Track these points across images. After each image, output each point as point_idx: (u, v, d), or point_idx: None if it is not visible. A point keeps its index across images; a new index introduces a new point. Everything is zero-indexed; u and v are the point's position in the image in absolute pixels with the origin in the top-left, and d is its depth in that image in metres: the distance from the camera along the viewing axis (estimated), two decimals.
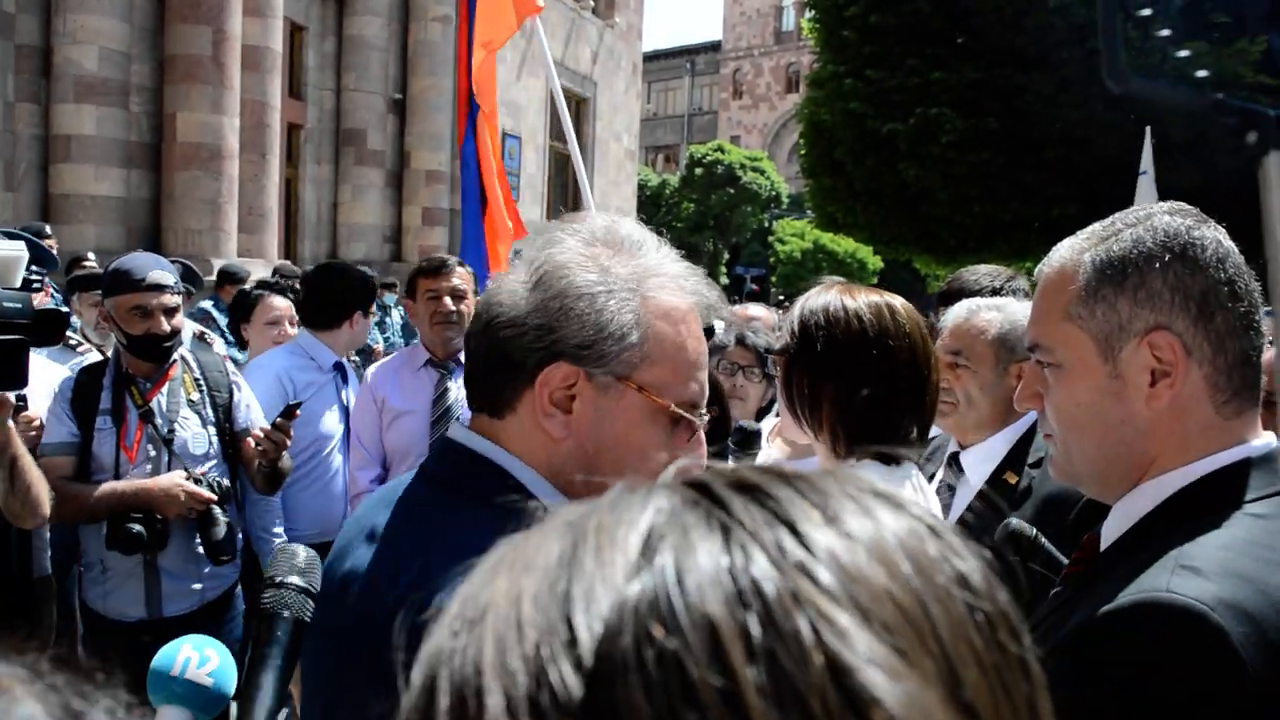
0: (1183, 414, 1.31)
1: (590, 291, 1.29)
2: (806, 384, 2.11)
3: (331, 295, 4.49)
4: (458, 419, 3.95)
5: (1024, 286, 3.61)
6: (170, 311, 3.49)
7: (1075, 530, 2.49)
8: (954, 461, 2.83)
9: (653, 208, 45.31)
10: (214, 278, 11.03)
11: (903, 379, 2.10)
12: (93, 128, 13.23)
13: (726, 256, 47.77)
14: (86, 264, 8.20)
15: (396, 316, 13.01)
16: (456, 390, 4.01)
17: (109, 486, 3.43)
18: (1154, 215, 1.34)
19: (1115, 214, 1.40)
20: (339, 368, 4.47)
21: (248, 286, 9.72)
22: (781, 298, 42.40)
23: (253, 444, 3.53)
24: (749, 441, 2.37)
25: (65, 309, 3.68)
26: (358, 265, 17.43)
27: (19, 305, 2.92)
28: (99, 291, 5.02)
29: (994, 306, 2.81)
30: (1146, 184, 8.27)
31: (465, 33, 5.48)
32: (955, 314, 2.84)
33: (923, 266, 22.77)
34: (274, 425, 3.51)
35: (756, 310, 5.21)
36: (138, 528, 3.35)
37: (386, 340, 12.28)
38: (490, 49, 5.44)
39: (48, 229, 8.75)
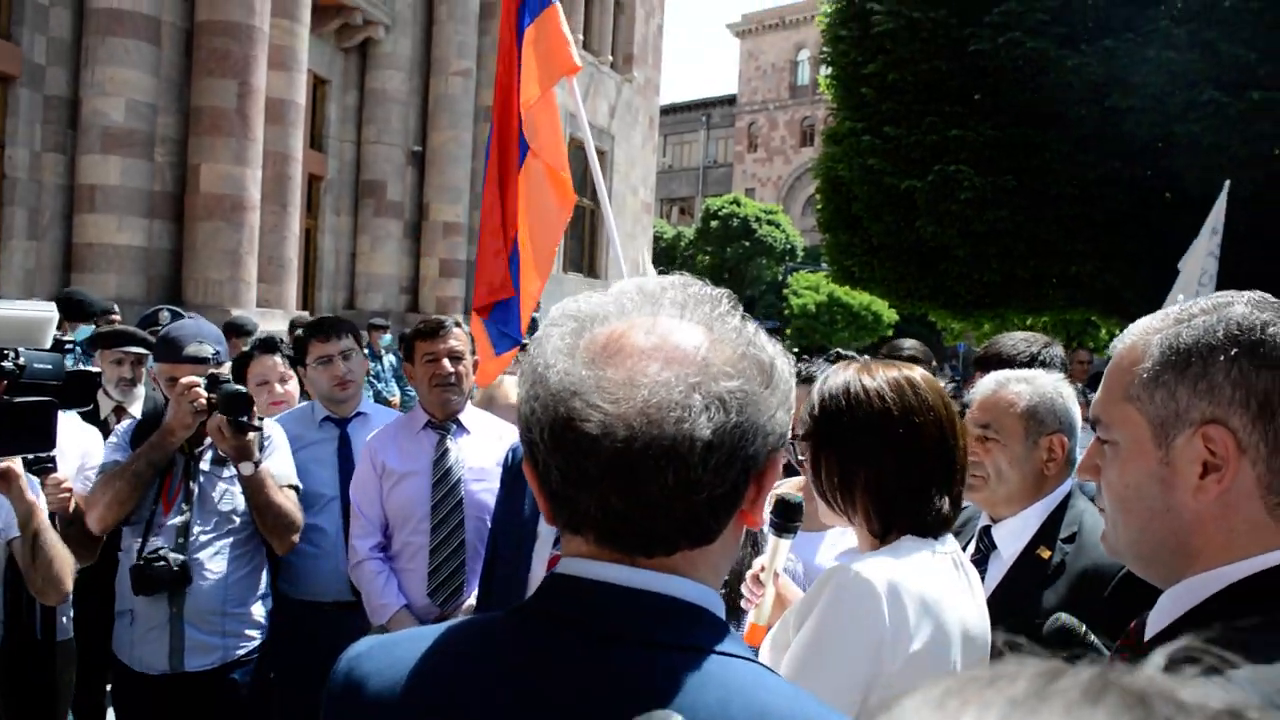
0: (1230, 510, 1.28)
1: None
2: (836, 469, 2.08)
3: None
4: (459, 481, 3.95)
5: (1060, 354, 3.60)
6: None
7: (1110, 607, 2.47)
8: (985, 534, 2.80)
9: (668, 260, 45.53)
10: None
11: (932, 454, 2.08)
12: (118, 178, 13.38)
13: (742, 309, 47.82)
14: (113, 319, 8.23)
15: (388, 363, 12.93)
16: (457, 451, 4.01)
17: (125, 468, 3.52)
18: (1233, 304, 1.31)
19: (1199, 299, 1.37)
20: (339, 423, 4.44)
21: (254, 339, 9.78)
22: (796, 350, 42.42)
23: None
24: (791, 514, 2.34)
25: (95, 369, 3.70)
26: (374, 315, 17.58)
27: (49, 366, 2.94)
28: (121, 349, 5.07)
29: (1023, 379, 2.79)
30: (1211, 244, 7.99)
31: (510, 75, 5.38)
32: (984, 387, 2.82)
33: (939, 320, 22.76)
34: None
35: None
36: (158, 565, 3.38)
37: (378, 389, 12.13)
38: (545, 88, 5.36)
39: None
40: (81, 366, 7.11)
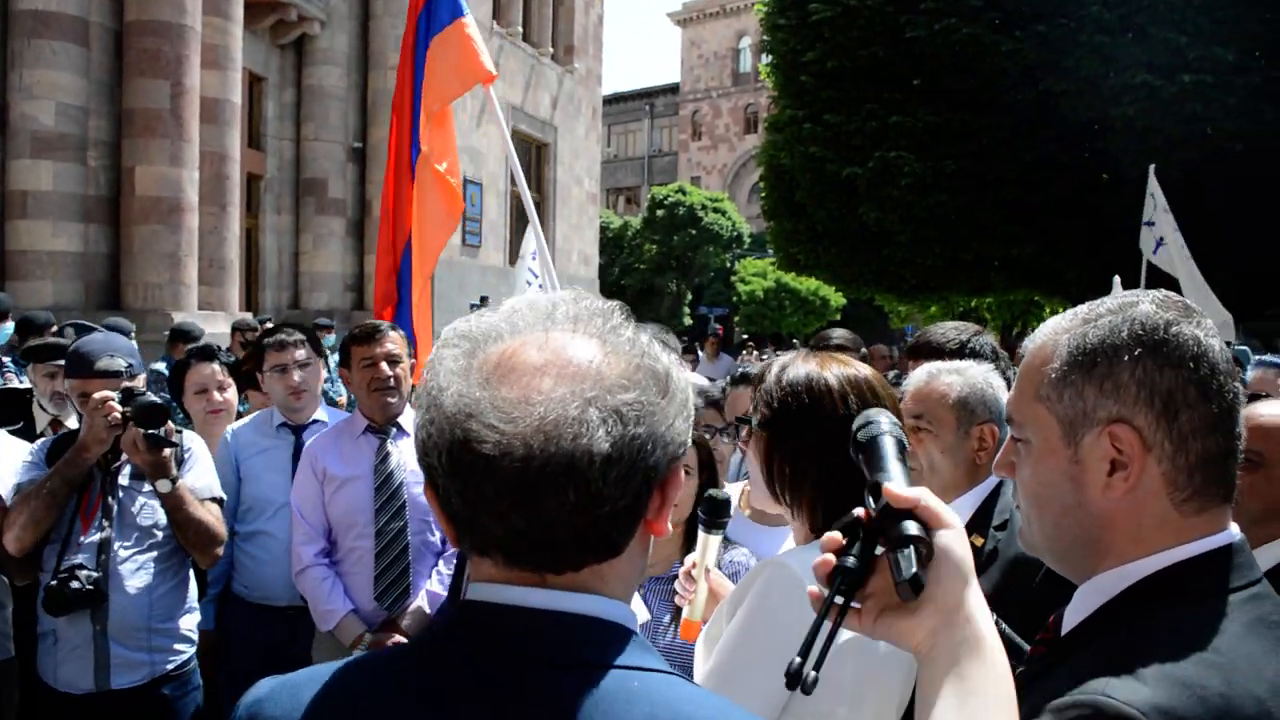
0: (1138, 507, 1.32)
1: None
2: (788, 466, 2.08)
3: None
4: (401, 484, 3.94)
5: (990, 341, 3.64)
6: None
7: (1041, 594, 2.51)
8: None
9: (615, 249, 45.47)
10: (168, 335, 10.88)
11: None
12: (50, 183, 13.12)
13: (689, 297, 47.91)
14: (48, 333, 8.05)
15: (334, 364, 12.75)
16: (398, 454, 4.01)
17: (40, 487, 3.40)
18: (1138, 304, 1.34)
19: (1107, 298, 1.40)
20: (295, 430, 4.44)
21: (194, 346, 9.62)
22: (745, 336, 42.58)
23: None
24: (719, 511, 2.34)
25: (28, 386, 3.64)
26: (318, 314, 17.36)
27: None
28: (54, 363, 4.97)
29: (954, 370, 2.83)
30: (1167, 221, 8.25)
31: (406, 84, 5.46)
32: (916, 378, 2.85)
33: (885, 304, 22.96)
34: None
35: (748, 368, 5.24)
36: (73, 584, 3.31)
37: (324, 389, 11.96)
38: (438, 107, 5.42)
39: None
40: (14, 384, 7.00)
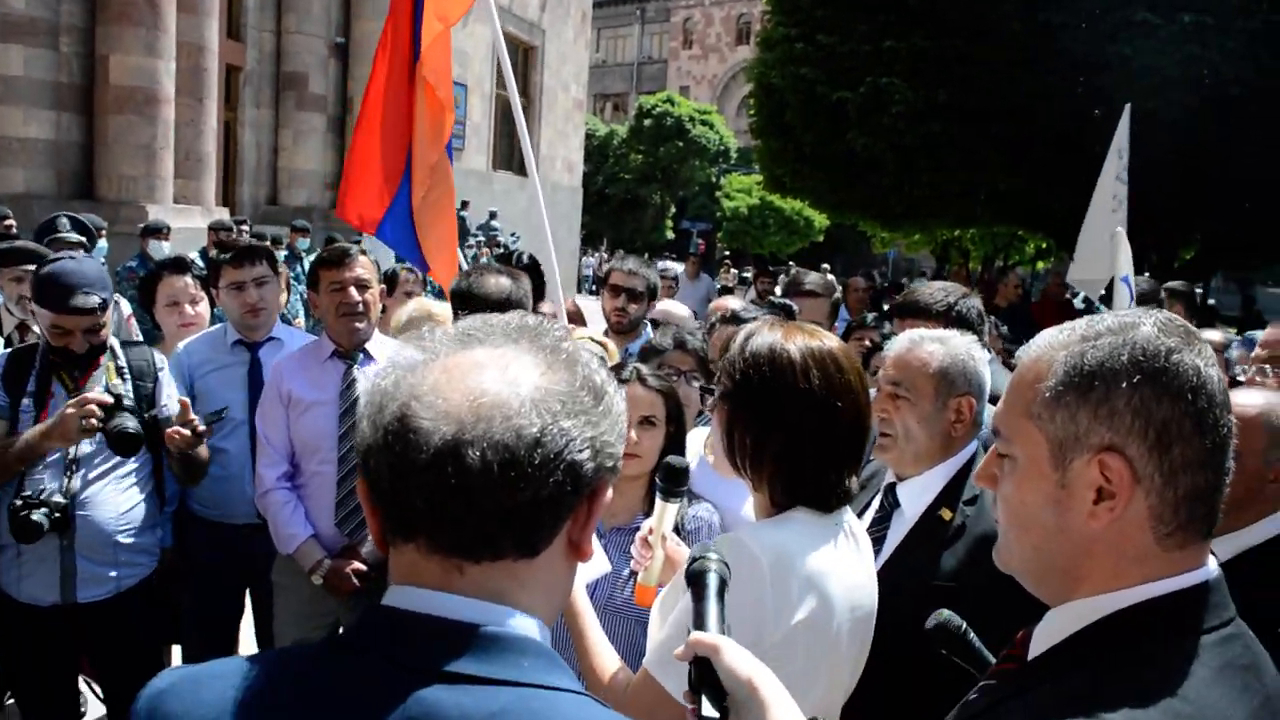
0: (1121, 538, 1.28)
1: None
2: (749, 438, 2.08)
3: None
4: None
5: (977, 305, 3.60)
6: (91, 331, 3.46)
7: (1006, 574, 2.51)
8: (890, 492, 2.81)
9: (600, 158, 44.94)
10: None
11: (846, 436, 2.09)
12: (20, 68, 12.77)
13: (674, 210, 47.60)
14: (7, 223, 7.83)
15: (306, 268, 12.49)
16: (364, 381, 3.95)
17: (18, 440, 3.38)
18: (1140, 327, 1.29)
19: (1107, 314, 1.36)
20: (251, 347, 4.38)
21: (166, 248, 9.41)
22: (726, 254, 42.41)
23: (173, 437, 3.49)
24: (677, 479, 2.32)
25: None
26: (297, 211, 17.12)
27: None
28: (21, 267, 4.85)
29: (937, 339, 2.78)
30: (1118, 166, 8.18)
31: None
32: (899, 344, 2.81)
33: (869, 229, 22.86)
34: (195, 430, 3.50)
35: (735, 303, 5.18)
36: (37, 515, 3.28)
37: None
38: (446, 23, 5.26)
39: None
40: None
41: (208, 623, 4.24)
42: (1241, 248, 15.42)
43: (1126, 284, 6.58)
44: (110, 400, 3.29)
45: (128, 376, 3.64)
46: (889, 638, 2.20)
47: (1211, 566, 1.32)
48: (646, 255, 41.16)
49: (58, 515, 3.33)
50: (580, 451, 1.10)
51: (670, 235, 47.11)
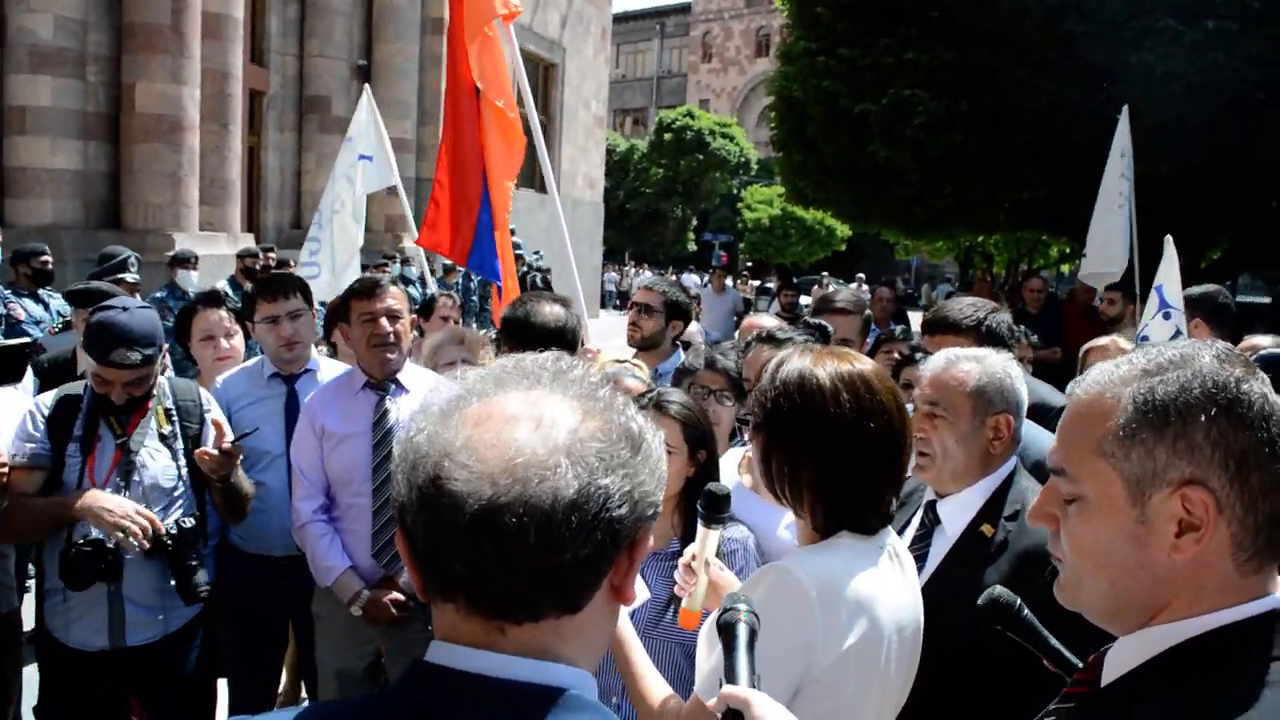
0: (1203, 568, 1.28)
1: None
2: (786, 466, 2.08)
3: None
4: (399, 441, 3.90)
5: (1006, 319, 3.58)
6: (133, 384, 3.48)
7: (1050, 588, 2.48)
8: (930, 510, 2.80)
9: (620, 173, 45.07)
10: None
11: (882, 458, 2.09)
12: (49, 99, 12.91)
13: (695, 222, 47.63)
14: (43, 259, 7.92)
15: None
16: (396, 411, 3.96)
17: (58, 500, 3.42)
18: (1200, 358, 1.29)
19: (1158, 346, 1.36)
20: (287, 380, 4.41)
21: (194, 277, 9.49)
22: (749, 265, 42.35)
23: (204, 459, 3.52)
24: (718, 506, 2.31)
25: (22, 341, 3.58)
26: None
27: None
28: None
29: (973, 357, 2.77)
30: (1121, 165, 8.30)
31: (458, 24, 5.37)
32: (934, 364, 2.80)
33: (891, 237, 22.79)
34: (220, 449, 3.52)
35: (767, 321, 5.16)
36: (88, 564, 3.30)
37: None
38: (483, 39, 5.37)
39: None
40: (16, 313, 6.90)
41: (249, 655, 4.25)
42: (1267, 248, 15.33)
43: (1159, 292, 6.54)
44: (147, 545, 3.35)
45: (175, 419, 3.66)
46: (934, 656, 2.20)
47: (1278, 594, 1.32)
48: (670, 269, 40.99)
49: (108, 561, 3.35)
50: (619, 508, 1.09)
51: (692, 248, 47.13)
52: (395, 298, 3.98)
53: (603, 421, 1.13)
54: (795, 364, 2.11)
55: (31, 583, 4.26)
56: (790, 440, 2.07)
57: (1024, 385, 2.80)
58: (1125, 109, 8.45)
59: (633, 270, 38.11)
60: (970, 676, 2.42)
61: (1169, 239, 6.50)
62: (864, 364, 2.14)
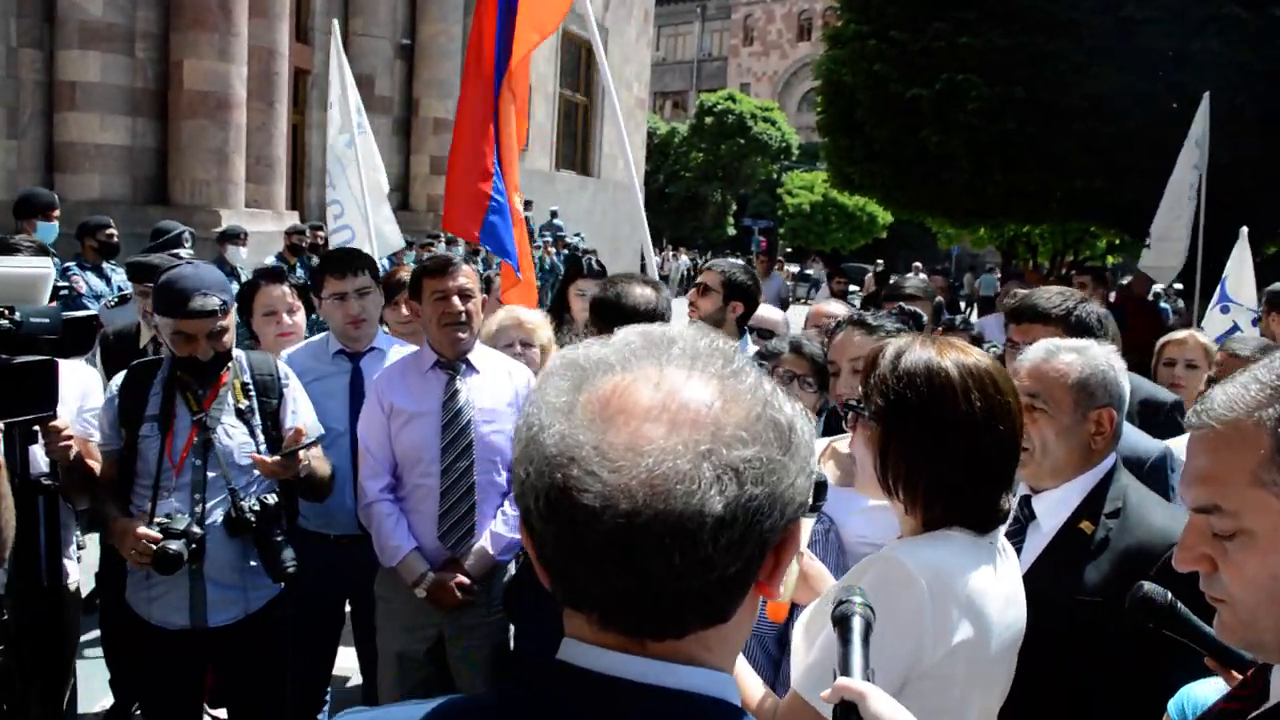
0: None
1: None
2: (903, 456, 2.01)
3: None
4: (469, 422, 3.85)
5: (1097, 310, 3.48)
6: (216, 335, 3.42)
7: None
8: (1025, 504, 2.71)
9: (661, 156, 44.91)
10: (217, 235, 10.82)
11: (1005, 457, 2.03)
12: (98, 74, 12.98)
13: (734, 207, 47.43)
14: (109, 232, 7.91)
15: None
16: (467, 392, 3.91)
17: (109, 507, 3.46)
18: None
19: (1266, 361, 1.29)
20: (353, 357, 4.38)
21: (243, 253, 9.46)
22: (789, 250, 42.14)
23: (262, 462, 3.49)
24: (816, 494, 2.24)
25: (91, 312, 3.55)
26: None
27: (46, 320, 2.82)
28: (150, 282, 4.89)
29: (1074, 349, 2.68)
30: (1195, 155, 8.16)
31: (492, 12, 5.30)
32: (1034, 355, 2.71)
33: (934, 225, 22.55)
34: (282, 455, 3.49)
35: (836, 308, 5.07)
36: (175, 546, 3.24)
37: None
38: (543, 35, 5.31)
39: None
40: (80, 287, 6.90)
41: (307, 634, 4.22)
42: None
43: (1222, 286, 6.41)
44: (159, 536, 3.26)
45: (253, 393, 3.62)
46: (1035, 653, 2.12)
47: None
48: (709, 254, 40.96)
49: (194, 546, 3.32)
50: (770, 517, 0.98)
51: (731, 233, 46.94)
52: (468, 276, 3.92)
53: (746, 412, 0.99)
54: (920, 354, 2.02)
55: (82, 552, 4.25)
56: (914, 434, 1.99)
57: (1126, 379, 2.71)
58: (1206, 96, 8.24)
59: (671, 254, 37.92)
60: (1067, 675, 2.35)
61: (1244, 231, 6.34)
62: (985, 358, 2.07)
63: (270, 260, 7.70)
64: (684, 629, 1.00)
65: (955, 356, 2.02)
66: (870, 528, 2.78)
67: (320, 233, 12.19)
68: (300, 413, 3.76)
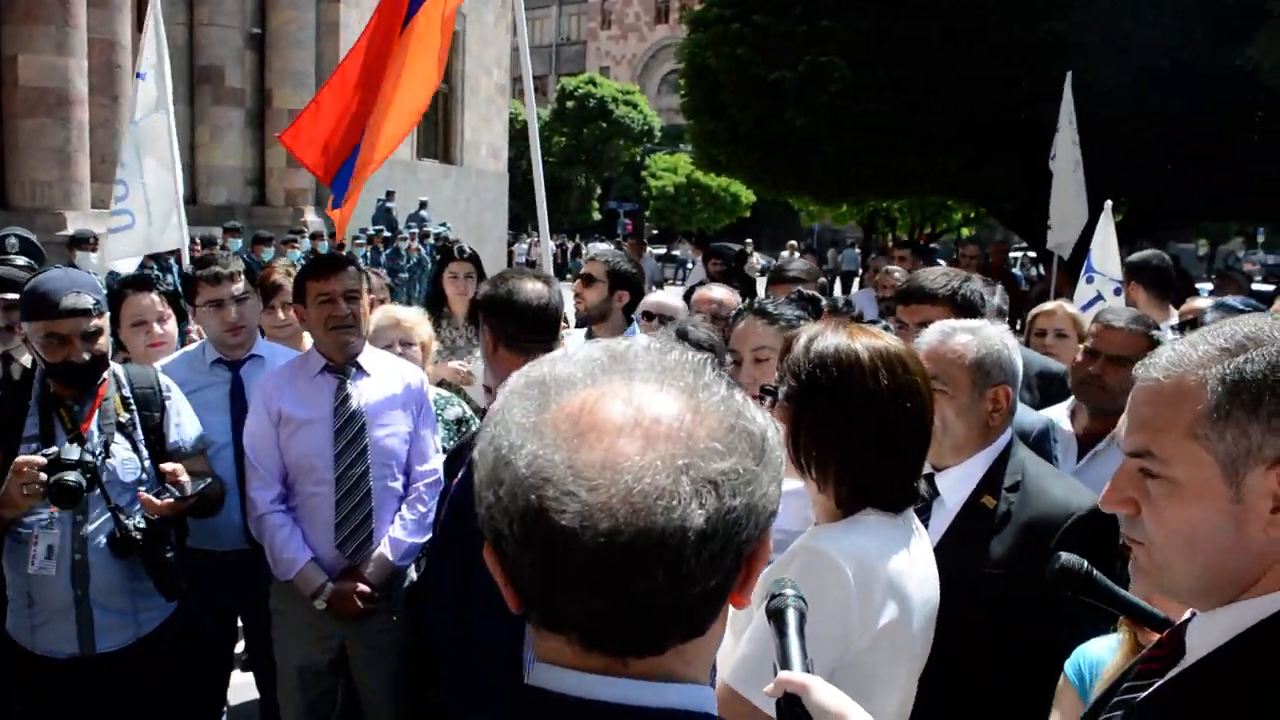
0: None
1: None
2: (815, 437, 2.06)
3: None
4: (362, 427, 3.76)
5: (979, 288, 3.59)
6: (91, 336, 3.23)
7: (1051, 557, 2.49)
8: (929, 482, 2.78)
9: (523, 142, 44.47)
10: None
11: (915, 437, 2.10)
12: None
13: (599, 191, 47.46)
14: None
15: None
16: (358, 395, 3.81)
17: None
18: (1277, 334, 1.30)
19: (1229, 320, 1.36)
20: (232, 366, 4.23)
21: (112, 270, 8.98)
22: (655, 232, 42.38)
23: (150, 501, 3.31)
24: None
25: None
26: (219, 210, 16.77)
27: None
28: (4, 295, 4.56)
29: (968, 329, 2.76)
30: (1070, 132, 8.59)
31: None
32: (930, 337, 2.78)
33: (797, 204, 22.98)
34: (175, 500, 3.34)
35: (720, 293, 5.09)
36: (73, 477, 3.02)
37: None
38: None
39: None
40: None
41: (199, 654, 4.05)
42: (1166, 212, 15.85)
43: (1088, 257, 6.69)
44: (44, 461, 3.05)
45: (134, 407, 3.45)
46: (944, 627, 2.19)
47: None
48: (576, 238, 40.81)
49: (90, 476, 3.10)
50: (746, 528, 0.98)
51: (597, 216, 46.97)
52: (352, 277, 3.82)
53: (719, 424, 0.98)
54: (831, 338, 2.09)
55: None
56: (824, 415, 2.05)
57: (1019, 356, 2.80)
58: (1069, 76, 8.73)
59: (534, 238, 37.71)
60: (975, 645, 2.42)
61: (1108, 204, 6.64)
62: (895, 341, 2.14)
63: (132, 266, 7.19)
64: (665, 645, 0.99)
65: (865, 339, 2.08)
66: (783, 516, 2.81)
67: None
68: (184, 425, 3.61)
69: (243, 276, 4.26)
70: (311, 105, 5.41)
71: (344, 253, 15.16)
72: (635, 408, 0.96)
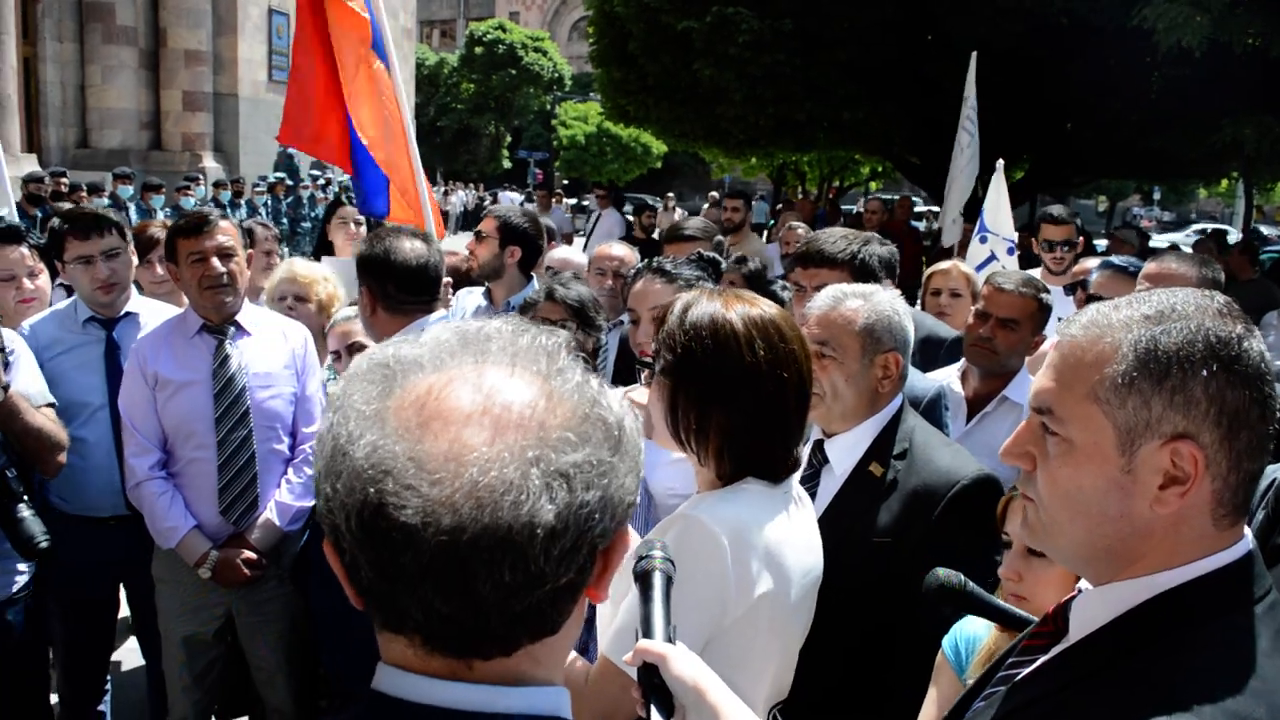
0: (1181, 522, 1.28)
1: None
2: (693, 408, 2.03)
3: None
4: (244, 389, 3.64)
5: (879, 251, 3.56)
6: None
7: (939, 527, 2.51)
8: (818, 449, 2.78)
9: (431, 88, 43.67)
10: None
11: (792, 407, 2.08)
12: None
13: (508, 140, 46.84)
14: None
15: (133, 218, 11.47)
16: (238, 356, 3.69)
17: None
18: (1206, 311, 1.28)
19: (1156, 291, 1.33)
20: (106, 324, 4.04)
21: None
22: (566, 183, 41.96)
23: None
24: None
25: None
26: (111, 154, 16.10)
27: None
28: None
29: (860, 295, 2.75)
30: (966, 109, 8.72)
31: None
32: (821, 303, 2.76)
33: (708, 155, 22.93)
34: None
35: (620, 250, 5.00)
36: None
37: None
38: None
39: None
40: None
41: (79, 623, 3.98)
42: (1065, 170, 16.19)
43: (981, 217, 6.79)
44: None
45: None
46: (830, 595, 2.20)
47: (1249, 538, 1.34)
48: (484, 187, 40.24)
49: None
50: (601, 522, 0.93)
51: (507, 165, 46.38)
52: (226, 233, 3.67)
53: (573, 413, 0.94)
54: (705, 307, 2.05)
55: None
56: (702, 386, 2.02)
57: (911, 322, 2.80)
58: (974, 55, 8.83)
59: (446, 190, 37.09)
60: (861, 612, 2.43)
61: (1000, 164, 6.71)
62: (772, 309, 2.11)
63: (5, 212, 6.79)
64: (514, 646, 0.95)
65: (741, 308, 2.05)
66: (678, 479, 2.79)
67: (64, 180, 11.21)
68: (28, 378, 3.44)
69: (115, 230, 4.04)
70: (291, 94, 5.23)
71: (243, 200, 14.70)
72: (484, 394, 0.91)
